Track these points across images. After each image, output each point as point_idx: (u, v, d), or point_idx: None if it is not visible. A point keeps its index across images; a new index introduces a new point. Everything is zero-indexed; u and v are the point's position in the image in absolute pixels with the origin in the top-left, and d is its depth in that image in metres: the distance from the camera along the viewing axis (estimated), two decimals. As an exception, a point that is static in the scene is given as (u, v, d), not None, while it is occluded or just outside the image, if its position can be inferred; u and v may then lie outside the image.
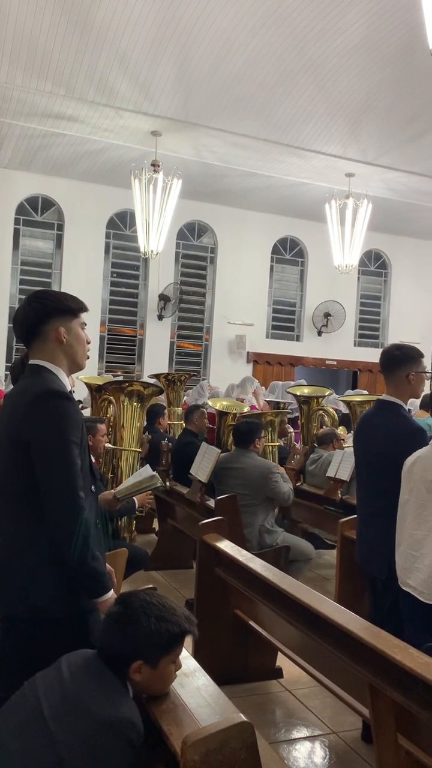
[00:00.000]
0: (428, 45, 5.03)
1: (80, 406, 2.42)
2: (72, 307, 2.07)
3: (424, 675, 1.84)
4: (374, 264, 13.86)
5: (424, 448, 2.63)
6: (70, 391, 2.03)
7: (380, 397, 3.15)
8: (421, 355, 3.02)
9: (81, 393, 7.81)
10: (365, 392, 9.28)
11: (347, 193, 10.38)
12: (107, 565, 2.07)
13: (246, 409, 7.10)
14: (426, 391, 8.46)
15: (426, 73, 7.49)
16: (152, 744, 1.73)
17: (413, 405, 7.40)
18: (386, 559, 2.69)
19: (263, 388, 9.66)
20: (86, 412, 6.89)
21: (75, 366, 2.09)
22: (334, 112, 8.64)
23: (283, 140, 9.18)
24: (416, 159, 9.72)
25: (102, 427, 4.20)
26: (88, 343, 2.12)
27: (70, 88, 7.97)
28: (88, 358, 2.15)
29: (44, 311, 2.03)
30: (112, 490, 3.34)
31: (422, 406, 7.29)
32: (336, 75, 7.93)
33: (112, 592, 1.96)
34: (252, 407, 7.89)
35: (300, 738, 2.95)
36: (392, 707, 2.02)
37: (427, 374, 3.08)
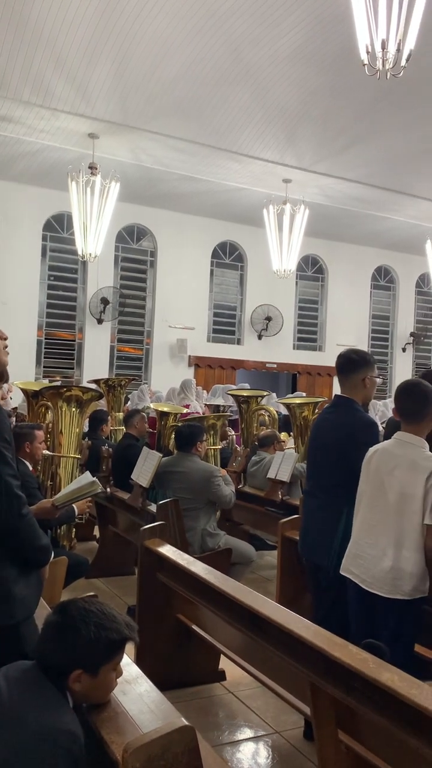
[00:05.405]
0: (360, 56, 5.17)
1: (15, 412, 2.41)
2: None
3: (362, 671, 1.87)
4: (311, 269, 14.12)
5: (385, 441, 2.72)
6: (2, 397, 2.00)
7: (336, 394, 3.25)
8: (374, 361, 3.17)
9: (17, 400, 7.63)
10: (303, 394, 9.44)
11: (285, 198, 10.54)
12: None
13: (185, 410, 7.09)
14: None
15: (357, 85, 7.70)
16: (94, 754, 1.70)
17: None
18: (329, 547, 2.82)
19: (204, 392, 9.69)
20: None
21: None
22: (270, 119, 8.76)
23: (220, 145, 9.24)
24: (350, 166, 9.97)
25: (40, 433, 4.09)
26: (5, 339, 2.09)
27: (4, 86, 7.79)
28: (8, 354, 2.12)
29: None
30: (51, 499, 3.27)
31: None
32: (272, 82, 8.05)
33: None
34: (197, 413, 7.87)
35: (243, 739, 2.96)
36: (332, 704, 2.06)
37: (378, 379, 3.22)
